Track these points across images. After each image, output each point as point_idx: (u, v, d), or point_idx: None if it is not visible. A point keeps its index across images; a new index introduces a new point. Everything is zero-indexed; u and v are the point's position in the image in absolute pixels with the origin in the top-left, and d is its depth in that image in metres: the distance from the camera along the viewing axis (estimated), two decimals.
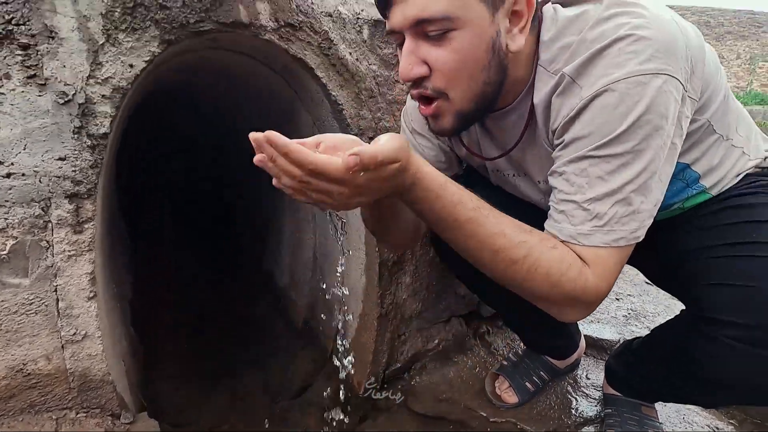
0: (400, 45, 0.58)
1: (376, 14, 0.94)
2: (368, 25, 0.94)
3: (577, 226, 0.54)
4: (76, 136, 0.68)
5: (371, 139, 0.97)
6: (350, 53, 0.92)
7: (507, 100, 0.64)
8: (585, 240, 0.54)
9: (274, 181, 0.49)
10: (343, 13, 0.90)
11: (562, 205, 0.56)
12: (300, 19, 0.84)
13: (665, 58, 0.51)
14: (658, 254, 0.72)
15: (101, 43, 0.67)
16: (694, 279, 0.64)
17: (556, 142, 0.58)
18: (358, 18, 0.92)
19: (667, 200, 0.66)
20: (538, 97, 0.60)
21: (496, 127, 0.70)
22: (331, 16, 0.89)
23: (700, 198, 0.70)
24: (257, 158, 0.47)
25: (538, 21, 0.60)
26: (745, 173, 0.70)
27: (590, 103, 0.53)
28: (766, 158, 0.72)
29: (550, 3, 0.63)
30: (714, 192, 0.69)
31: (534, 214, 0.63)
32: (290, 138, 0.46)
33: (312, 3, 0.86)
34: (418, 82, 0.58)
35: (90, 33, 0.66)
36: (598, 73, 0.53)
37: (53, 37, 0.64)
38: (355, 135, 0.96)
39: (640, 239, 0.55)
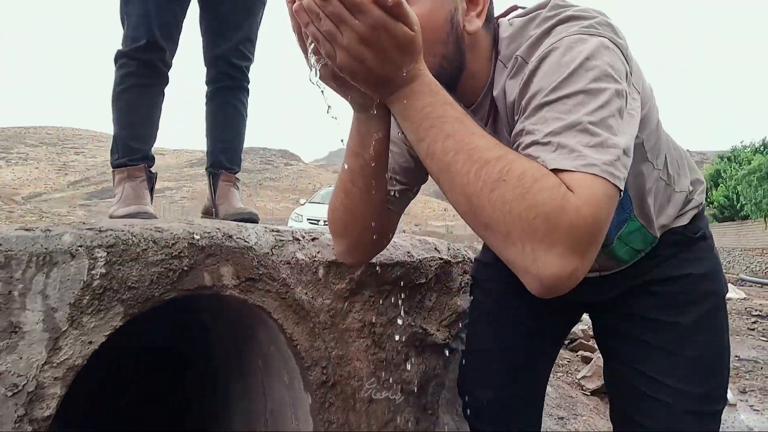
0: None
1: (330, 255, 1.05)
2: (323, 266, 1.04)
3: (544, 160, 0.50)
4: (17, 424, 0.67)
5: (324, 368, 1.01)
6: (306, 293, 1.00)
7: (469, 99, 0.67)
8: (554, 164, 0.48)
9: (294, 5, 0.48)
10: (301, 258, 1.01)
11: (524, 152, 0.52)
12: (260, 272, 0.93)
13: (608, 30, 0.56)
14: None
15: (64, 329, 0.71)
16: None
17: (516, 117, 0.59)
18: (314, 260, 1.03)
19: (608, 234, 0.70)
20: (497, 88, 0.64)
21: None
22: (289, 263, 0.99)
23: (634, 228, 0.73)
24: None
25: (494, 27, 0.66)
26: (676, 215, 0.77)
27: (538, 66, 0.55)
28: (691, 191, 0.80)
29: (505, 18, 0.69)
30: (642, 221, 0.73)
31: None
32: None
33: (272, 254, 0.96)
34: None
35: (55, 322, 0.70)
36: (544, 43, 0.57)
37: (16, 332, 0.67)
38: (309, 365, 1.00)
39: (620, 181, 0.49)
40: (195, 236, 0.84)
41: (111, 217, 1.06)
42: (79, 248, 0.72)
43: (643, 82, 0.66)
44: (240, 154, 1.42)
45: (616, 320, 0.84)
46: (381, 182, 0.69)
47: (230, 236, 0.90)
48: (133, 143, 1.21)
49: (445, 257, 1.26)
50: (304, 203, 9.22)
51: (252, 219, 1.24)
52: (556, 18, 0.59)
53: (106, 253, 0.74)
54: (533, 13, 0.63)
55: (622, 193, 0.49)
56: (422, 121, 0.52)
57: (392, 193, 0.81)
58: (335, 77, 0.55)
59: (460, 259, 1.30)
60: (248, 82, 1.40)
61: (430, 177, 0.84)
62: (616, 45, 0.55)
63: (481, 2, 0.61)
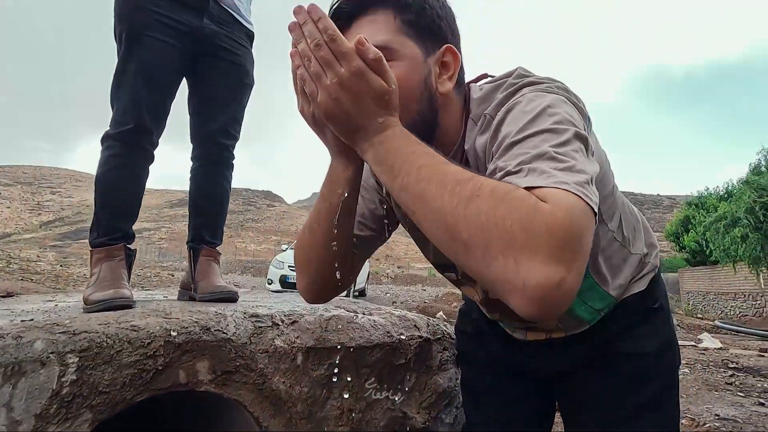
0: None
1: (309, 340, 1.05)
2: (302, 352, 1.04)
3: (516, 183, 0.50)
4: None
5: None
6: (284, 382, 0.99)
7: (442, 153, 0.68)
8: (526, 183, 0.48)
9: (291, 50, 0.56)
10: (280, 346, 1.01)
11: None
12: (237, 363, 0.92)
13: (565, 92, 0.62)
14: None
15: None
16: None
17: (488, 166, 0.61)
18: (293, 346, 1.03)
19: None
20: (468, 143, 0.69)
21: None
22: (267, 351, 0.98)
23: (588, 286, 0.76)
24: (291, 24, 0.55)
25: (465, 90, 0.72)
26: (632, 276, 0.81)
27: (504, 116, 0.61)
28: (646, 254, 0.83)
29: (476, 83, 0.74)
30: (596, 279, 0.76)
31: None
32: None
33: (250, 343, 0.96)
34: None
35: None
36: (510, 101, 0.63)
37: None
38: None
39: (593, 201, 0.48)
40: (172, 333, 0.83)
41: (85, 301, 1.04)
42: (51, 355, 0.70)
43: (599, 147, 0.72)
44: (222, 228, 1.43)
45: (577, 390, 0.87)
46: (345, 227, 0.70)
47: (208, 329, 0.90)
48: (115, 222, 1.21)
49: (424, 335, 1.26)
50: (286, 249, 9.14)
51: (231, 298, 1.23)
52: (519, 83, 0.66)
53: (78, 359, 0.72)
54: (501, 80, 0.70)
55: (596, 217, 0.49)
56: (395, 159, 0.54)
57: (359, 239, 0.82)
58: (314, 118, 0.60)
59: (439, 336, 1.31)
60: (233, 158, 1.44)
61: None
62: (572, 103, 0.61)
63: (452, 67, 0.67)
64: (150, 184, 1.34)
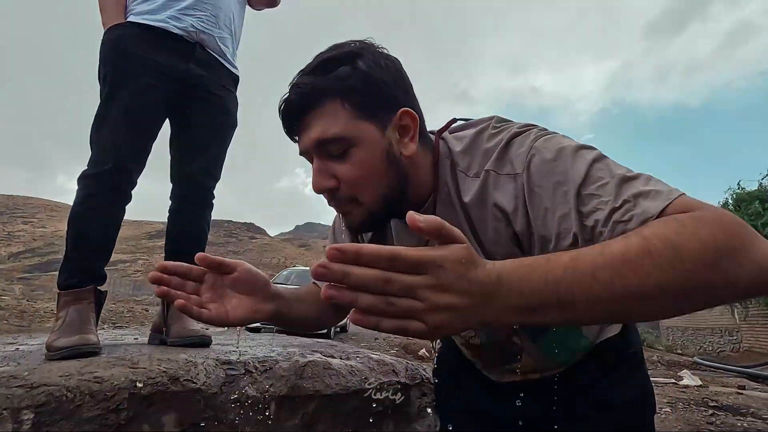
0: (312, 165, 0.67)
1: (283, 388, 1.02)
2: (275, 401, 1.00)
3: (642, 212, 0.48)
4: None
5: None
6: None
7: (413, 206, 0.68)
8: (653, 210, 0.48)
9: (351, 315, 0.42)
10: (252, 395, 0.97)
11: (610, 224, 0.50)
12: (206, 415, 0.88)
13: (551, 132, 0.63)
14: None
15: None
16: None
17: (513, 220, 0.61)
18: (266, 395, 0.99)
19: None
20: (469, 196, 0.66)
21: (409, 234, 0.74)
22: (239, 401, 0.95)
23: (568, 329, 0.75)
24: (325, 292, 0.41)
25: (431, 140, 0.70)
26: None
27: (536, 172, 0.58)
28: None
29: (448, 132, 0.72)
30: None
31: None
32: None
33: (221, 393, 0.92)
34: (331, 194, 0.65)
35: None
36: (514, 154, 0.61)
37: None
38: None
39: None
40: (137, 384, 0.80)
41: (48, 348, 0.99)
42: (4, 411, 0.67)
43: None
44: None
45: None
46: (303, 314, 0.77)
47: (176, 379, 0.86)
48: (87, 263, 1.18)
49: (403, 380, 1.24)
50: None
51: (204, 343, 1.19)
52: (506, 132, 0.65)
53: (33, 414, 0.69)
54: (478, 127, 0.69)
55: None
56: (552, 290, 0.43)
57: None
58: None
59: (418, 381, 1.29)
60: (213, 198, 1.43)
61: None
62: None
63: (412, 128, 0.65)
64: (126, 215, 1.32)
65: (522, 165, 0.59)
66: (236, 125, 1.50)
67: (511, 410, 0.90)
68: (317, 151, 0.63)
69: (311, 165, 0.65)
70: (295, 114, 0.63)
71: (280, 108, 0.64)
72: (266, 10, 1.70)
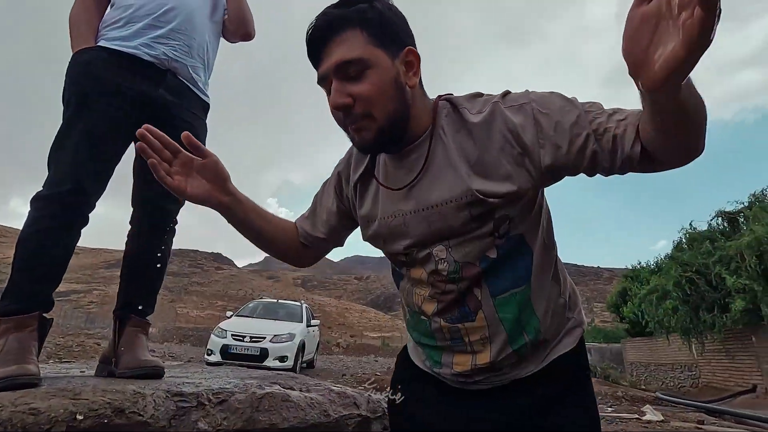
0: (328, 90, 0.75)
1: (237, 421, 0.98)
2: None
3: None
4: None
5: None
6: None
7: (410, 139, 0.78)
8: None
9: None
10: (204, 429, 0.93)
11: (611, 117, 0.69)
12: None
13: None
14: None
15: None
16: None
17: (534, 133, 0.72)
18: (218, 430, 0.95)
19: (509, 278, 0.76)
20: (477, 118, 0.76)
21: (404, 162, 0.80)
22: None
23: (525, 298, 0.78)
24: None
25: (433, 99, 0.81)
26: (564, 317, 0.84)
27: (534, 102, 0.73)
28: (571, 298, 0.87)
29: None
30: (534, 300, 0.79)
31: None
32: None
33: (170, 427, 0.87)
34: (347, 111, 0.73)
35: None
36: (514, 95, 0.76)
37: None
38: None
39: None
40: (77, 416, 0.75)
41: None
42: None
43: (547, 203, 0.88)
44: (156, 298, 1.36)
45: None
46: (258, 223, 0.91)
47: (122, 411, 0.82)
48: (36, 286, 1.12)
49: (364, 413, 1.21)
50: (231, 316, 8.60)
51: (156, 374, 1.13)
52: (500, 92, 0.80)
53: None
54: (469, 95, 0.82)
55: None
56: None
57: (310, 237, 0.96)
58: None
59: (379, 414, 1.26)
60: (176, 224, 1.41)
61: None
62: None
63: (415, 65, 0.77)
64: (85, 241, 1.27)
65: (525, 98, 0.74)
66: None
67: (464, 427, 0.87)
68: (336, 73, 0.72)
69: (327, 95, 0.76)
70: (320, 38, 0.73)
71: (307, 34, 0.75)
72: (240, 42, 1.74)
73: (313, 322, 8.90)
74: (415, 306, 0.85)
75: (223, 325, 7.71)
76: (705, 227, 12.88)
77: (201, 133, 1.47)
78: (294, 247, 0.97)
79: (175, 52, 1.40)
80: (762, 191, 12.02)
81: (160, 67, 1.37)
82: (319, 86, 0.77)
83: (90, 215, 1.26)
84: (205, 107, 1.54)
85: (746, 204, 12.06)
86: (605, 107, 0.71)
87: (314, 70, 0.77)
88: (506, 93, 0.78)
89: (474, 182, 0.73)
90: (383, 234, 0.84)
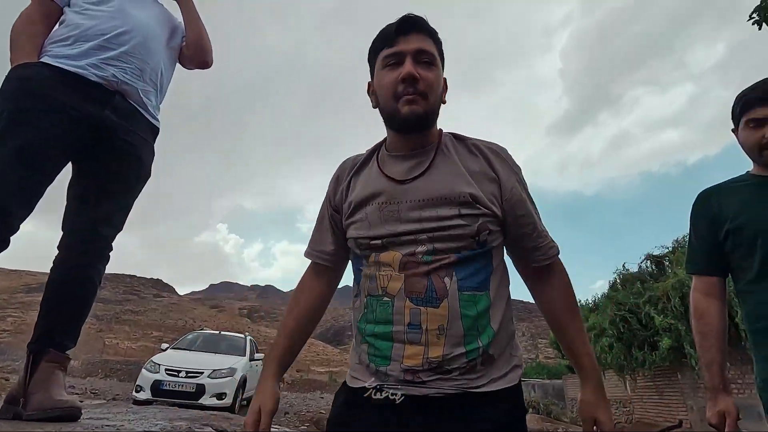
0: (393, 65, 0.90)
1: None
2: None
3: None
4: None
5: None
6: None
7: (419, 144, 0.94)
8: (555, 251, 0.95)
9: None
10: None
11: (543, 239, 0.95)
12: None
13: None
14: None
15: None
16: None
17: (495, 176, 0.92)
18: None
19: (476, 280, 0.85)
20: (458, 157, 0.94)
21: (409, 162, 0.94)
22: None
23: (485, 305, 0.85)
24: None
25: (439, 133, 0.97)
26: (507, 344, 0.88)
27: (508, 160, 0.95)
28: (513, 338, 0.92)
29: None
30: (491, 309, 0.85)
31: None
32: None
33: None
34: (414, 82, 0.88)
35: None
36: (490, 142, 0.97)
37: None
38: None
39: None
40: None
41: None
42: None
43: None
44: (79, 330, 1.25)
45: None
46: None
47: None
48: None
49: None
50: (167, 348, 7.98)
51: (71, 416, 1.03)
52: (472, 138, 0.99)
53: None
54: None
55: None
56: None
57: (323, 253, 1.02)
58: None
59: None
60: (111, 250, 1.33)
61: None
62: None
63: (446, 90, 0.97)
64: (6, 263, 1.16)
65: (499, 147, 0.96)
66: (149, 176, 1.45)
67: None
68: (415, 56, 0.89)
69: (389, 73, 0.91)
70: (406, 27, 0.90)
71: (396, 21, 0.91)
72: (197, 70, 1.74)
73: (257, 355, 8.45)
74: (379, 287, 0.86)
75: (156, 358, 7.13)
76: (636, 269, 13.88)
77: (145, 156, 1.43)
78: (323, 293, 1.04)
79: (125, 75, 1.37)
80: (684, 237, 13.23)
81: (108, 88, 1.34)
82: (369, 63, 0.97)
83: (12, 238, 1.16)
84: (154, 131, 1.51)
85: (670, 248, 13.18)
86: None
87: (379, 49, 0.93)
88: (488, 141, 0.99)
89: (470, 188, 0.87)
90: (374, 218, 0.90)
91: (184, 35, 1.65)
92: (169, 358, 7.17)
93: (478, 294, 0.84)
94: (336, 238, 1.01)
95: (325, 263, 1.02)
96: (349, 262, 1.01)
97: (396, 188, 0.90)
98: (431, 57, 0.90)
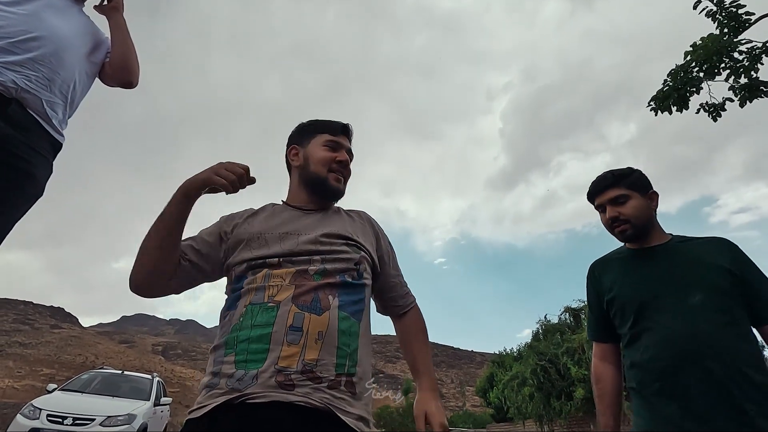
0: (331, 149, 1.16)
1: None
2: None
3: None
4: None
5: None
6: None
7: (324, 206, 1.19)
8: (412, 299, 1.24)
9: None
10: None
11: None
12: None
13: None
14: None
15: None
16: None
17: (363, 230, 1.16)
18: None
19: (353, 308, 0.96)
20: (353, 217, 1.20)
21: (314, 213, 1.14)
22: None
23: (355, 329, 0.95)
24: None
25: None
26: (366, 375, 0.94)
27: (380, 229, 1.23)
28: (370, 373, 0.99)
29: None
30: (360, 338, 0.96)
31: None
32: None
33: None
34: (346, 165, 1.17)
35: None
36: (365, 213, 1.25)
37: None
38: None
39: None
40: None
41: None
42: None
43: None
44: None
45: None
46: (175, 234, 1.00)
47: None
48: None
49: None
50: (53, 390, 6.88)
51: None
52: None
53: None
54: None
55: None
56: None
57: (188, 259, 1.03)
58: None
59: None
60: None
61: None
62: None
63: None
64: None
65: (376, 224, 1.22)
66: (41, 194, 1.30)
67: None
68: (347, 150, 1.19)
69: (328, 152, 1.16)
70: (348, 132, 1.22)
71: (344, 124, 1.22)
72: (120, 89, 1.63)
73: (163, 399, 7.58)
74: (267, 296, 0.92)
75: (37, 401, 6.09)
76: (556, 320, 14.73)
77: (40, 173, 1.29)
78: (174, 262, 1.00)
79: (28, 83, 1.25)
80: None
81: (5, 94, 1.21)
82: (301, 134, 1.22)
83: None
84: (56, 146, 1.37)
85: (586, 302, 14.23)
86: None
87: (320, 132, 1.20)
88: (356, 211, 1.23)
89: (355, 232, 1.09)
90: (271, 238, 1.02)
91: (109, 51, 1.56)
92: (55, 401, 6.17)
93: (353, 320, 0.95)
94: (211, 250, 1.06)
95: (184, 257, 1.02)
96: (219, 287, 1.08)
97: (299, 218, 1.09)
98: (352, 156, 1.21)
